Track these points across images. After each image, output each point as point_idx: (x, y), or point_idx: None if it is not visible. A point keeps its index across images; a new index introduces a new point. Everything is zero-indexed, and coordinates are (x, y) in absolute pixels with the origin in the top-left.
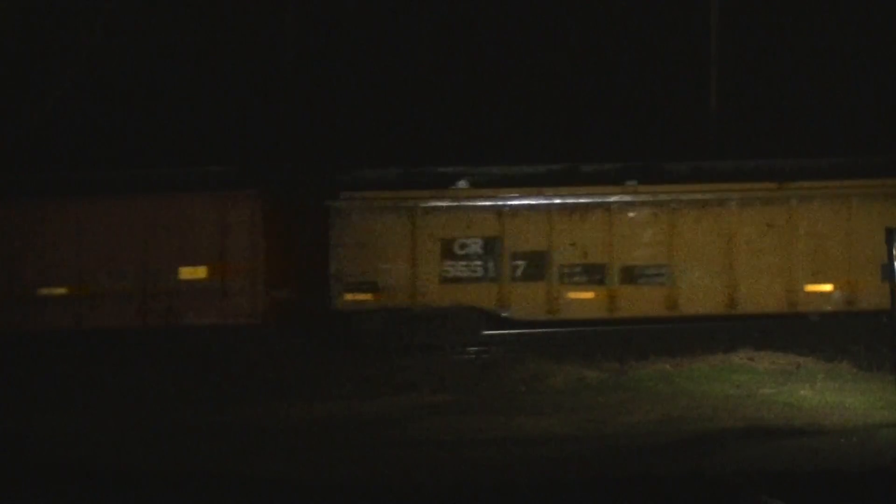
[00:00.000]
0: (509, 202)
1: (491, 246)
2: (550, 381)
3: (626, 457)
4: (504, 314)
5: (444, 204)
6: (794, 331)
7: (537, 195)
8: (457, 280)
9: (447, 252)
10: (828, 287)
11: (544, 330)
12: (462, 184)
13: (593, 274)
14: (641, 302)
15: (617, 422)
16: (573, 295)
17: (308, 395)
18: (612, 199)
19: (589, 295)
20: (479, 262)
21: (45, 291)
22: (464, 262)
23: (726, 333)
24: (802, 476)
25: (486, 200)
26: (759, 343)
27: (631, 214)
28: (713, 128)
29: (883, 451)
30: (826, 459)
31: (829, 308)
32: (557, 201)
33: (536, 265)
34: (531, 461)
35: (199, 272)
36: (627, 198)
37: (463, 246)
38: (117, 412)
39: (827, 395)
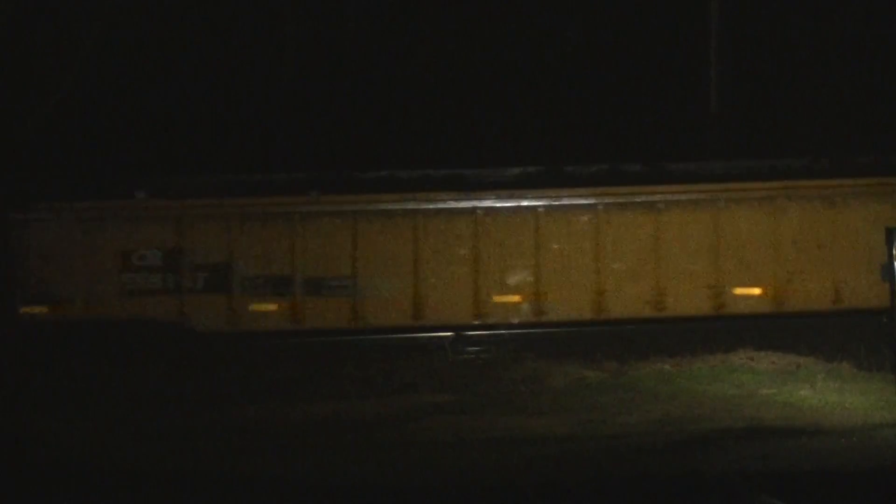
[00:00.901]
0: (189, 212)
1: (171, 257)
2: (550, 381)
3: (625, 457)
4: (186, 326)
5: (124, 215)
6: (795, 331)
7: (219, 206)
8: (137, 292)
9: (127, 264)
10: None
11: (544, 330)
12: (140, 194)
13: (277, 286)
14: (327, 313)
15: (617, 422)
16: (256, 307)
17: (308, 395)
18: (298, 209)
19: (272, 307)
20: (159, 274)
21: None
22: (143, 274)
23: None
24: (802, 476)
25: (165, 211)
26: (757, 343)
27: (316, 225)
28: (713, 129)
29: (883, 451)
30: (826, 459)
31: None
32: (239, 211)
33: (219, 276)
34: (531, 461)
35: None
36: (311, 208)
37: (142, 257)
38: (117, 412)
39: (827, 395)
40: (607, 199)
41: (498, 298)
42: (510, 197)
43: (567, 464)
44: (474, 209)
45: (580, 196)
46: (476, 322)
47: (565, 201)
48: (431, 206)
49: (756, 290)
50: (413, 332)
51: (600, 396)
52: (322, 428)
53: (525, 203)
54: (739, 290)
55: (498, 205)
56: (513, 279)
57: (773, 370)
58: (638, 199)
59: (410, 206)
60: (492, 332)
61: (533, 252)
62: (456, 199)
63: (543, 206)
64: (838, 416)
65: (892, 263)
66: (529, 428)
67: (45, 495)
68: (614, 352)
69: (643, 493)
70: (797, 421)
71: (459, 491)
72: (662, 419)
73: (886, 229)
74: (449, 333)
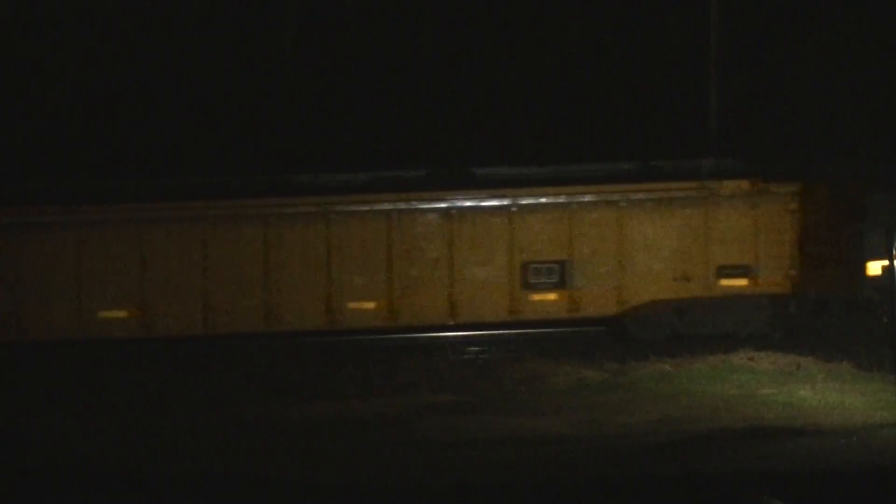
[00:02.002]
0: None
1: None
2: (550, 381)
3: (626, 457)
4: None
5: None
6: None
7: None
8: None
9: None
10: None
11: (545, 330)
12: None
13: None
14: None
15: (617, 422)
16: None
17: (308, 395)
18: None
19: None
20: None
21: None
22: None
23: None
24: (802, 476)
25: None
26: (758, 343)
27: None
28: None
29: (883, 451)
30: (826, 460)
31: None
32: None
33: None
34: (531, 461)
35: None
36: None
37: None
38: (117, 413)
39: (827, 395)
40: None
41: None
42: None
43: (567, 464)
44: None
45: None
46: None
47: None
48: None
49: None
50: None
51: (600, 396)
52: (322, 428)
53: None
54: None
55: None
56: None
57: (773, 370)
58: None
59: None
60: None
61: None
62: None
63: None
64: (838, 416)
65: (893, 263)
66: (529, 428)
67: (45, 495)
68: (613, 352)
69: (643, 493)
70: (797, 421)
71: (459, 491)
72: (662, 419)
73: (886, 229)
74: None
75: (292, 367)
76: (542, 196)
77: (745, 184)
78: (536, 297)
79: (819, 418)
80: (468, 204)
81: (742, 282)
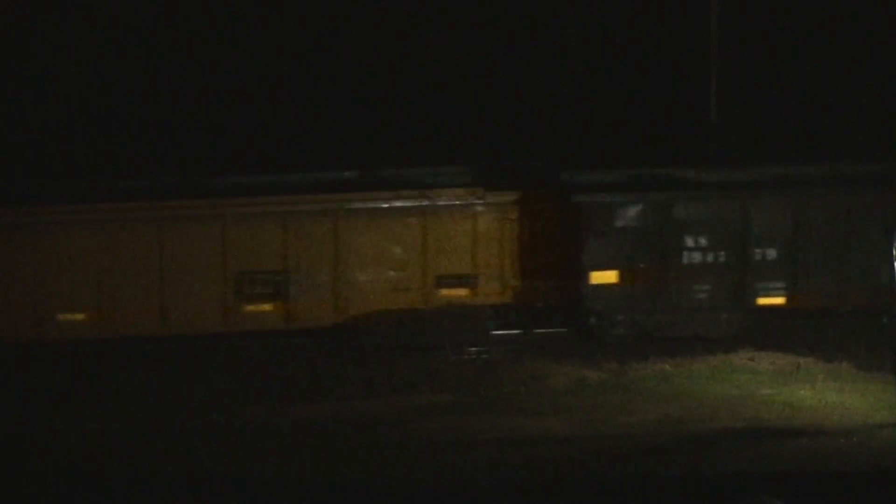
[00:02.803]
0: None
1: None
2: (550, 382)
3: (625, 457)
4: None
5: None
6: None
7: None
8: None
9: None
10: None
11: (545, 330)
12: None
13: None
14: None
15: (617, 422)
16: None
17: (308, 395)
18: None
19: None
20: None
21: None
22: None
23: None
24: (802, 476)
25: None
26: (758, 343)
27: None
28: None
29: (883, 451)
30: (826, 460)
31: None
32: None
33: None
34: (531, 461)
35: None
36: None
37: None
38: (117, 412)
39: (827, 395)
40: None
41: None
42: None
43: (567, 464)
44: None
45: None
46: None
47: None
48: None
49: None
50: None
51: (600, 396)
52: (322, 428)
53: None
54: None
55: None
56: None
57: (773, 370)
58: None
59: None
60: None
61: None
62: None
63: None
64: (838, 416)
65: (893, 263)
66: (529, 428)
67: (45, 495)
68: (614, 352)
69: (643, 493)
70: (797, 421)
71: (459, 491)
72: (662, 419)
73: (886, 229)
74: None
75: (292, 367)
76: (257, 205)
77: (462, 192)
78: (251, 307)
79: (819, 418)
80: (184, 213)
81: (462, 292)
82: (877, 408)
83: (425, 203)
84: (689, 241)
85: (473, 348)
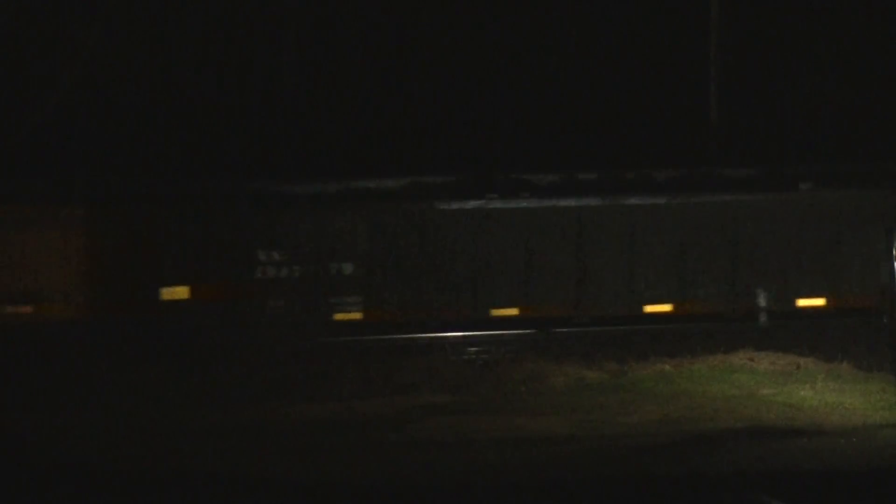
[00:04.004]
0: None
1: None
2: (550, 382)
3: (625, 457)
4: None
5: None
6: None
7: None
8: None
9: None
10: None
11: (544, 330)
12: None
13: None
14: None
15: (617, 422)
16: None
17: (308, 395)
18: None
19: None
20: None
21: None
22: None
23: None
24: (802, 476)
25: None
26: (759, 343)
27: None
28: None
29: (883, 451)
30: (826, 460)
31: None
32: None
33: None
34: (531, 461)
35: None
36: None
37: None
38: (116, 412)
39: (827, 395)
40: None
41: None
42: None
43: (567, 464)
44: None
45: None
46: None
47: None
48: None
49: None
50: None
51: (600, 397)
52: (322, 428)
53: None
54: None
55: None
56: None
57: (773, 370)
58: None
59: None
60: None
61: None
62: None
63: None
64: (838, 416)
65: (893, 263)
66: (529, 428)
67: (45, 495)
68: (614, 352)
69: (643, 493)
70: (797, 421)
71: (459, 491)
72: (662, 420)
73: (886, 229)
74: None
75: (292, 367)
76: None
77: (25, 208)
78: None
79: (819, 418)
80: None
81: (26, 308)
82: (877, 408)
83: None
84: (263, 256)
85: (473, 348)
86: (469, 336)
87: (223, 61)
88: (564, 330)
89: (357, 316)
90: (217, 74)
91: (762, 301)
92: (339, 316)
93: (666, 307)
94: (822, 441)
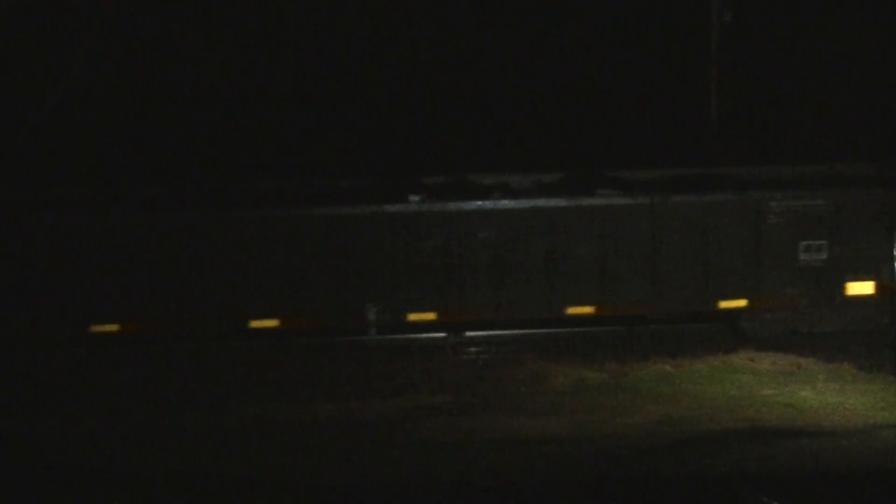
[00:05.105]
0: None
1: None
2: (550, 382)
3: (626, 457)
4: None
5: None
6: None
7: None
8: None
9: None
10: None
11: (545, 330)
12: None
13: None
14: None
15: (617, 422)
16: None
17: (308, 395)
18: None
19: None
20: None
21: None
22: None
23: None
24: (803, 476)
25: None
26: (759, 344)
27: None
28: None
29: (883, 451)
30: (827, 460)
31: None
32: None
33: None
34: (531, 461)
35: None
36: None
37: None
38: (116, 412)
39: (828, 396)
40: None
41: None
42: None
43: (567, 464)
44: None
45: None
46: None
47: None
48: None
49: None
50: None
51: (600, 397)
52: (322, 428)
53: None
54: None
55: None
56: None
57: (773, 371)
58: None
59: None
60: None
61: None
62: None
63: None
64: (839, 416)
65: (893, 263)
66: (529, 428)
67: (45, 495)
68: (614, 353)
69: (643, 493)
70: (798, 422)
71: (459, 491)
72: (663, 420)
73: (886, 230)
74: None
75: (292, 367)
76: None
77: None
78: None
79: (820, 419)
80: None
81: None
82: (877, 408)
83: None
84: None
85: (473, 348)
86: (470, 336)
87: None
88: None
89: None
90: None
91: (371, 315)
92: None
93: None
94: (823, 441)
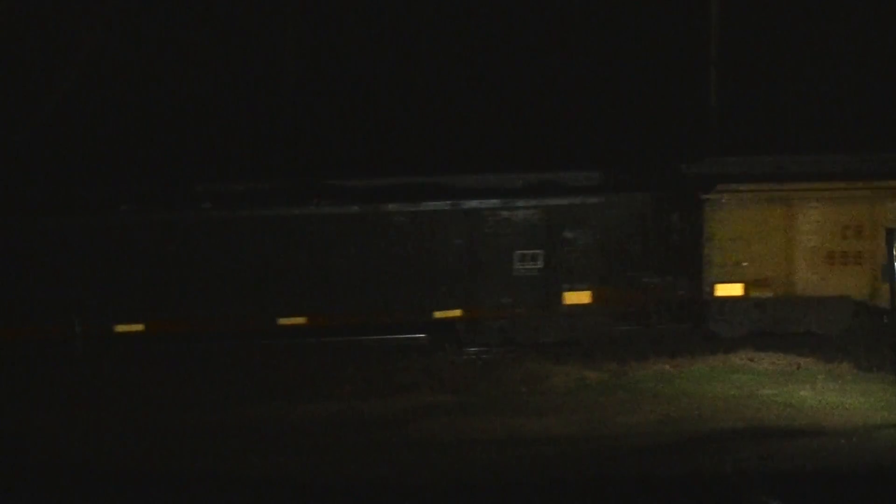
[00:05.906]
0: None
1: None
2: (550, 382)
3: (626, 457)
4: None
5: None
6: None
7: None
8: None
9: None
10: None
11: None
12: None
13: None
14: None
15: (617, 422)
16: None
17: (308, 395)
18: None
19: None
20: None
21: None
22: None
23: None
24: (802, 476)
25: None
26: (759, 343)
27: None
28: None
29: (883, 451)
30: (826, 460)
31: None
32: None
33: None
34: (531, 461)
35: None
36: None
37: None
38: (117, 412)
39: (827, 395)
40: None
41: None
42: None
43: (567, 464)
44: None
45: None
46: None
47: None
48: None
49: None
50: None
51: (600, 397)
52: (322, 428)
53: None
54: None
55: None
56: None
57: (773, 371)
58: None
59: None
60: None
61: None
62: None
63: None
64: (838, 416)
65: (893, 263)
66: (529, 428)
67: (45, 495)
68: (614, 352)
69: (643, 493)
70: (797, 421)
71: (459, 491)
72: (662, 420)
73: (886, 230)
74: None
75: (292, 367)
76: None
77: None
78: None
79: (819, 419)
80: None
81: None
82: (877, 408)
83: None
84: None
85: (473, 348)
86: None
87: None
88: None
89: None
90: None
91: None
92: None
93: None
94: (823, 441)
